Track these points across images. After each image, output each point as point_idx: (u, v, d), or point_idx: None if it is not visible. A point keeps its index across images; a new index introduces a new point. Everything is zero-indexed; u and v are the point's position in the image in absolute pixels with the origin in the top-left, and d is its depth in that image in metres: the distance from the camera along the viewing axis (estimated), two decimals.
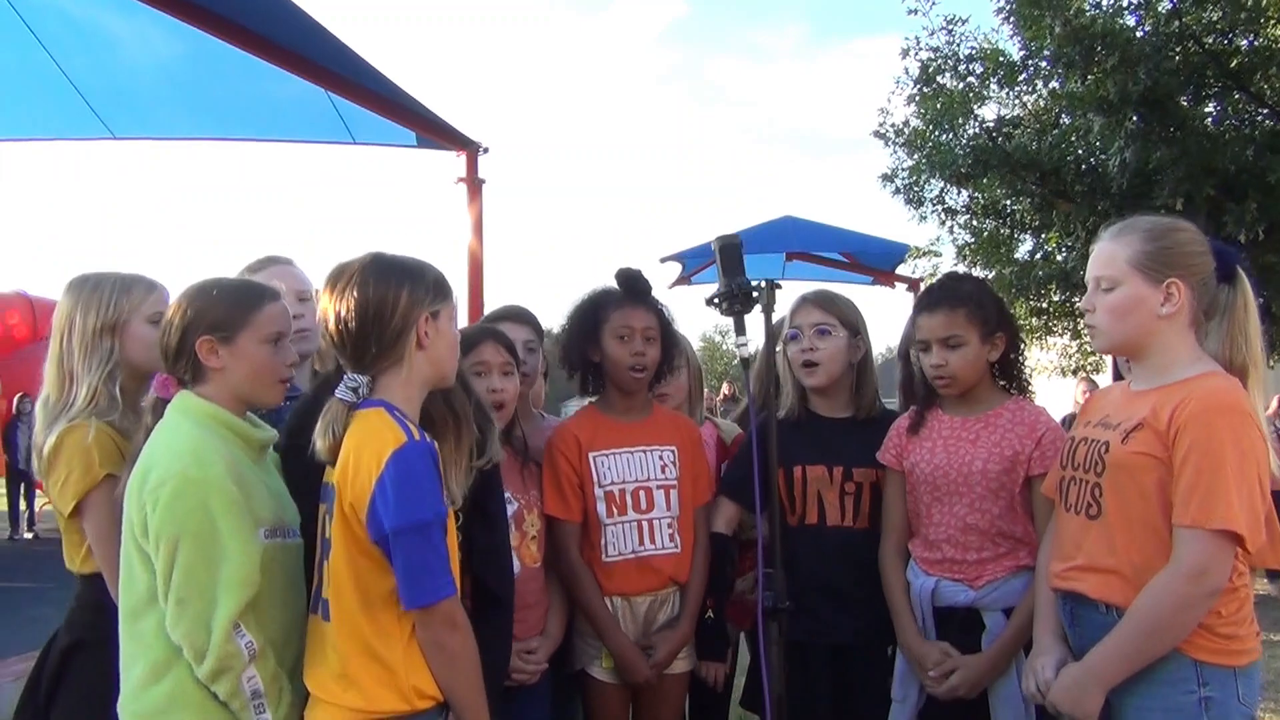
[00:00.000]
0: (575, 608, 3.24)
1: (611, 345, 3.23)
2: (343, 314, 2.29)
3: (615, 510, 3.20)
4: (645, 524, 3.19)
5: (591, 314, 3.30)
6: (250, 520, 2.32)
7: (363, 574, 2.23)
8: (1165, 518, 2.35)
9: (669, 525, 3.22)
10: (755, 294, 2.84)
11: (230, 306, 2.46)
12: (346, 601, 2.24)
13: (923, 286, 13.69)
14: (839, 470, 3.20)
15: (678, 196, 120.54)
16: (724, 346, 62.07)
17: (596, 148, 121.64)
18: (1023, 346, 3.11)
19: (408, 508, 2.16)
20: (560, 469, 3.22)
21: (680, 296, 14.92)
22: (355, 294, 2.29)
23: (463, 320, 9.34)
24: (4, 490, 14.00)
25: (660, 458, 3.25)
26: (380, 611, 2.23)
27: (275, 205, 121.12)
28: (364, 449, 2.21)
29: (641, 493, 3.21)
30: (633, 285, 3.28)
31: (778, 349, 3.38)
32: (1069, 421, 9.91)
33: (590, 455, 3.23)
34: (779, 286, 2.89)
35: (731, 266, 2.88)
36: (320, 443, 2.27)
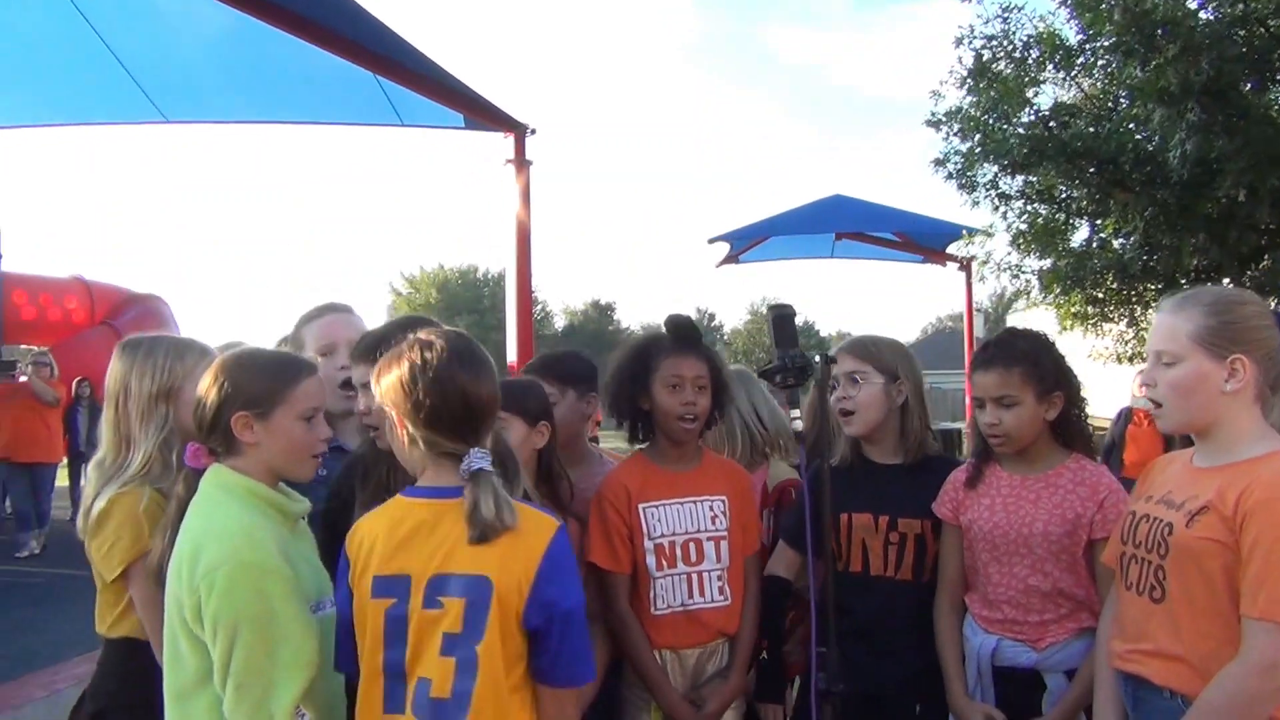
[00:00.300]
0: (621, 661, 3.20)
1: (662, 394, 3.14)
2: (483, 394, 2.27)
3: (665, 563, 3.15)
4: (695, 576, 3.14)
5: (641, 361, 3.21)
6: (303, 600, 2.31)
7: (509, 665, 2.20)
8: (1232, 605, 2.28)
9: (718, 578, 3.15)
10: (809, 368, 2.80)
11: (267, 382, 2.43)
12: (499, 697, 2.19)
13: (975, 268, 13.61)
14: (884, 519, 3.16)
15: (724, 175, 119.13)
16: None
17: (636, 127, 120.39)
18: (1084, 404, 3.03)
19: (575, 589, 2.21)
20: (610, 520, 3.16)
21: (728, 273, 14.90)
22: (493, 376, 2.31)
23: (511, 295, 9.47)
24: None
25: (711, 508, 3.17)
26: (509, 697, 2.20)
27: (323, 190, 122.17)
28: (521, 534, 2.19)
29: (691, 544, 3.15)
30: (683, 333, 3.20)
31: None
32: (1126, 415, 9.74)
33: (640, 506, 3.17)
34: (833, 360, 2.88)
35: (785, 338, 2.84)
36: (506, 517, 2.18)
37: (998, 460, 3.04)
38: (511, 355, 10.41)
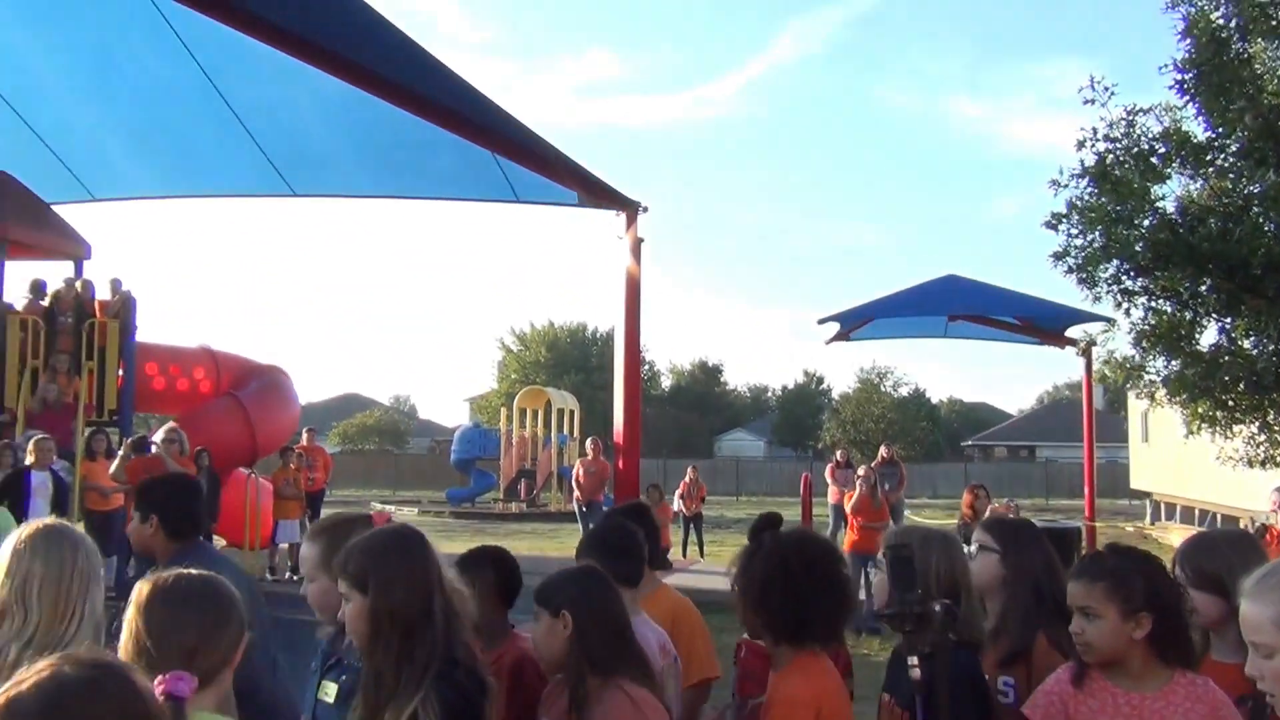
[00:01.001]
0: None
1: None
2: None
3: None
4: None
5: None
6: None
7: None
8: None
9: None
10: (929, 617, 2.66)
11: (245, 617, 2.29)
12: None
13: (1094, 352, 13.08)
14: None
15: (834, 236, 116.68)
16: (882, 388, 60.77)
17: (746, 191, 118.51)
18: (1186, 621, 2.92)
19: None
20: None
21: (837, 347, 14.81)
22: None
23: (620, 356, 9.56)
24: None
25: None
26: None
27: (436, 247, 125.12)
28: None
29: None
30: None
31: None
32: (1259, 532, 9.20)
33: None
34: (955, 612, 2.75)
35: (903, 581, 2.70)
36: None
37: (1100, 669, 2.95)
38: (619, 415, 10.45)
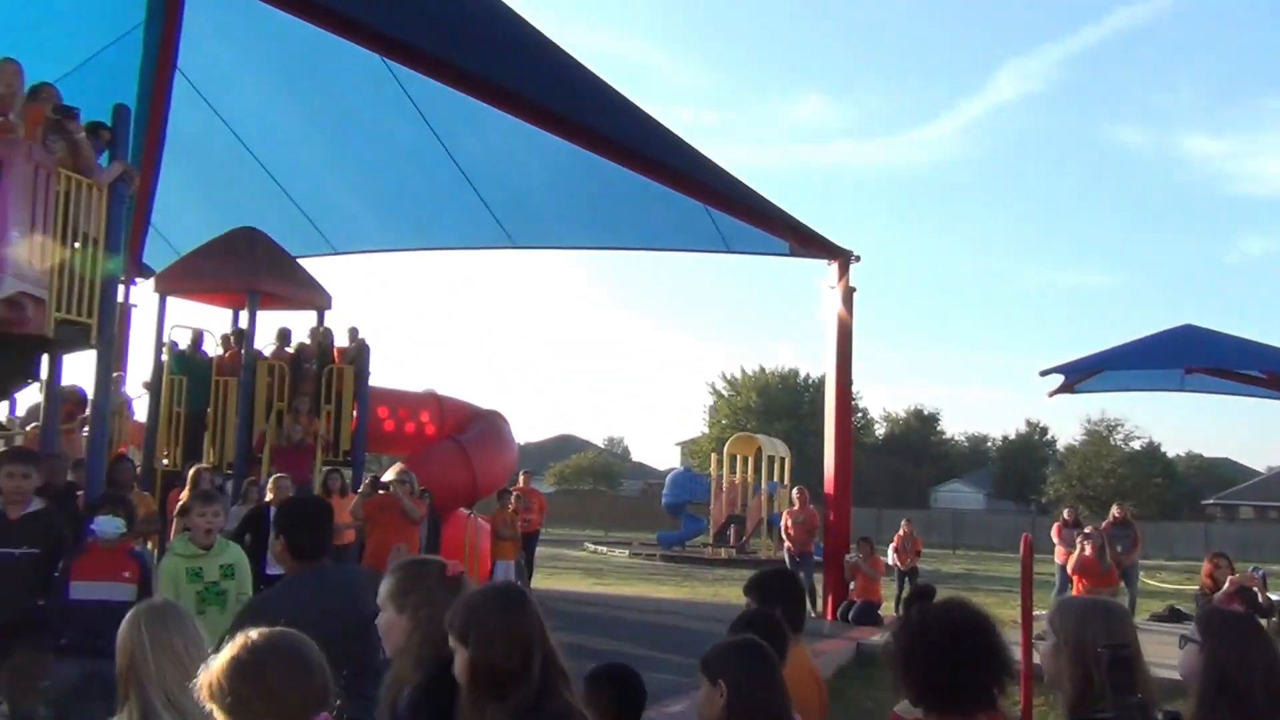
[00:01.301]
0: None
1: None
2: None
3: None
4: None
5: None
6: None
7: None
8: None
9: None
10: None
11: None
12: None
13: None
14: None
15: (1059, 296, 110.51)
16: (1112, 441, 57.54)
17: (962, 235, 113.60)
18: None
19: None
20: None
21: (1061, 398, 14.22)
22: None
23: (831, 405, 9.44)
24: None
25: None
26: None
27: (646, 291, 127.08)
28: None
29: None
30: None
31: None
32: None
33: None
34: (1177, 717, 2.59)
35: (1121, 683, 2.52)
36: None
37: None
38: (829, 464, 10.30)
